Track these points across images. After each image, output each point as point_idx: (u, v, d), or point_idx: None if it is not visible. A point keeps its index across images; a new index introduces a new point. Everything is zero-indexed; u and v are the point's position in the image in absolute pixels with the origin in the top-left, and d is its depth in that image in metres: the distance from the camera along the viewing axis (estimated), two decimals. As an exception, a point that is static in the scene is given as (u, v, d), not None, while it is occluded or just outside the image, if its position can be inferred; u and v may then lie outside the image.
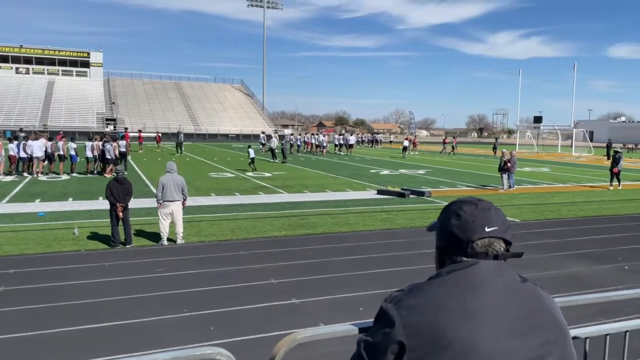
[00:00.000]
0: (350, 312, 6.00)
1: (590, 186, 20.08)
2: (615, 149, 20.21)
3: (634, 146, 56.77)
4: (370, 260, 8.39)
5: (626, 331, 1.96)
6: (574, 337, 1.84)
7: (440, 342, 1.16)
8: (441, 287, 1.25)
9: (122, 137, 27.12)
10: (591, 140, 56.32)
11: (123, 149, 22.78)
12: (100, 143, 22.08)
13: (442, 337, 1.17)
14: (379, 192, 16.87)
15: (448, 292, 1.23)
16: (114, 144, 21.98)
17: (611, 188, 19.14)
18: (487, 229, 1.29)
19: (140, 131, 40.86)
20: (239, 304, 6.30)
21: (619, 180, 19.45)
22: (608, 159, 39.00)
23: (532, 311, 1.24)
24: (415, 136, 52.01)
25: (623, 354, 1.97)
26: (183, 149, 38.09)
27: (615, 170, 19.20)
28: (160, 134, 41.62)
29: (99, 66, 74.60)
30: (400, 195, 15.95)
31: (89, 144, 22.17)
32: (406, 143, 39.18)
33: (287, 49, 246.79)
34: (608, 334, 1.92)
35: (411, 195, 15.98)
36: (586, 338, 1.86)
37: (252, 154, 24.93)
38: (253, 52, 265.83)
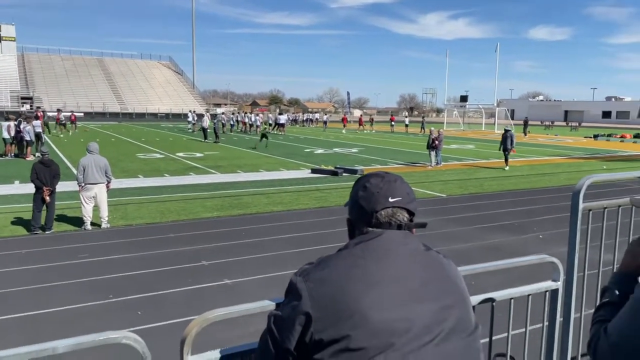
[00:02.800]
0: (284, 289, 6.03)
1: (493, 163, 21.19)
2: (506, 127, 19.31)
3: (550, 123, 60.65)
4: (304, 238, 8.46)
5: (528, 295, 2.11)
6: (484, 301, 1.95)
7: (343, 313, 1.19)
8: (348, 258, 1.28)
9: (36, 117, 25.31)
10: (512, 118, 59.45)
11: (39, 129, 21.39)
12: (15, 123, 20.58)
13: (345, 308, 1.19)
14: (313, 171, 16.98)
15: (354, 263, 1.25)
16: (31, 123, 20.57)
17: (507, 168, 18.29)
18: (390, 200, 1.32)
19: (59, 110, 38.14)
20: (167, 287, 6.16)
21: (506, 160, 18.65)
22: (525, 135, 41.33)
23: (434, 278, 1.29)
24: (361, 115, 53.89)
25: (526, 315, 2.12)
26: (51, 131, 33.65)
27: (514, 151, 18.93)
28: (75, 114, 38.97)
29: (11, 40, 68.93)
30: (334, 173, 16.16)
31: (5, 124, 20.60)
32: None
33: (219, 25, 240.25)
34: (512, 298, 2.06)
35: (344, 174, 16.22)
36: (492, 303, 1.98)
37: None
38: (182, 28, 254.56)
